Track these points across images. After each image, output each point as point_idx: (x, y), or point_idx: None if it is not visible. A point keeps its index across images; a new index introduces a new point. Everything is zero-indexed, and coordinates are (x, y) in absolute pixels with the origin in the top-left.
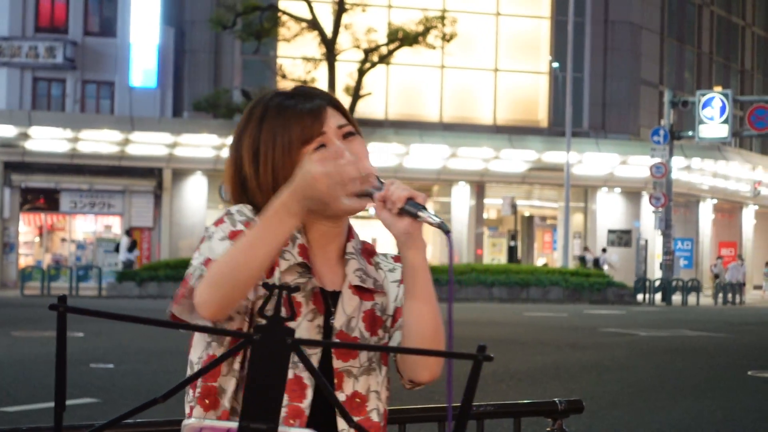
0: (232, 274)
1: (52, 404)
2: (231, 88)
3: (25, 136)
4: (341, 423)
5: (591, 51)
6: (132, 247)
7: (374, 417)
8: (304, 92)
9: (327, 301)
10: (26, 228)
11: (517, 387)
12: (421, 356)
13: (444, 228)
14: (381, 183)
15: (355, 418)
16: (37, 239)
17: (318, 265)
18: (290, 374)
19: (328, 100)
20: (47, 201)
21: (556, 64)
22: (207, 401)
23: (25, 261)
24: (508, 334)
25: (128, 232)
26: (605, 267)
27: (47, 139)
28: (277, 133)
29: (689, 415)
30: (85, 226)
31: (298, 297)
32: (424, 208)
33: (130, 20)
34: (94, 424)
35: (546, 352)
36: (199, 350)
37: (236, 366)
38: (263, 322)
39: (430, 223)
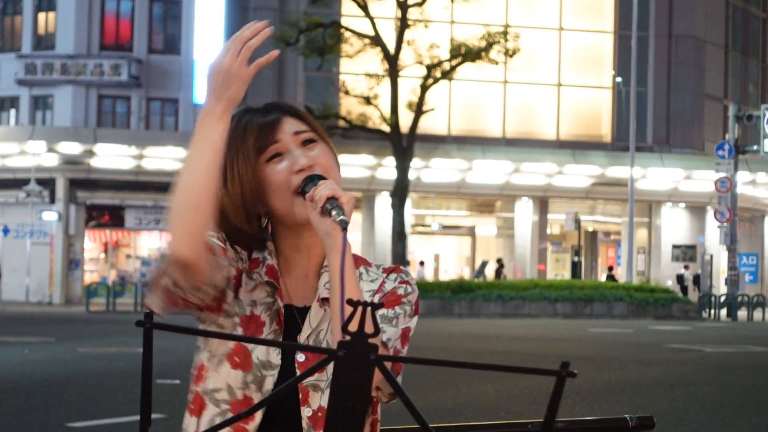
0: (184, 198)
1: (119, 420)
2: (295, 104)
3: (90, 153)
4: None
5: (654, 65)
6: None
7: None
8: (267, 108)
9: (293, 316)
10: (91, 244)
11: (583, 403)
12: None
13: (343, 226)
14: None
15: None
16: (102, 255)
17: (289, 283)
18: (240, 394)
19: (288, 110)
20: (112, 217)
21: (619, 79)
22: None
23: (90, 277)
24: (573, 350)
25: None
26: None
27: (112, 156)
28: (238, 146)
29: (757, 431)
30: (149, 242)
31: (263, 316)
32: (339, 208)
33: (194, 38)
34: None
35: (611, 368)
36: (196, 358)
37: (224, 370)
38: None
39: (333, 220)
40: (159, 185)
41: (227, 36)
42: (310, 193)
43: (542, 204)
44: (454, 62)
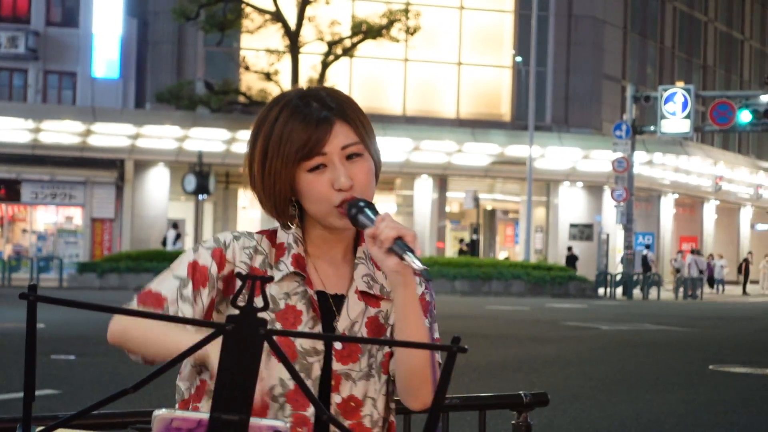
0: (140, 347)
1: (10, 395)
2: (194, 79)
3: None
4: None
5: (554, 45)
6: (177, 239)
7: (366, 423)
8: (320, 97)
9: (328, 304)
10: None
11: (479, 380)
12: (411, 386)
13: (426, 276)
14: (376, 213)
15: (348, 422)
16: None
17: (320, 270)
18: (291, 384)
19: (342, 112)
20: (8, 191)
21: (519, 58)
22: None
23: None
24: (471, 327)
25: (175, 224)
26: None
27: (8, 130)
28: (283, 140)
29: (651, 408)
30: (46, 217)
31: (298, 305)
32: (411, 251)
33: (93, 11)
34: (57, 416)
35: (508, 345)
36: None
37: None
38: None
39: (413, 270)
40: (56, 159)
41: (126, 9)
42: (371, 230)
43: (442, 182)
44: (355, 39)
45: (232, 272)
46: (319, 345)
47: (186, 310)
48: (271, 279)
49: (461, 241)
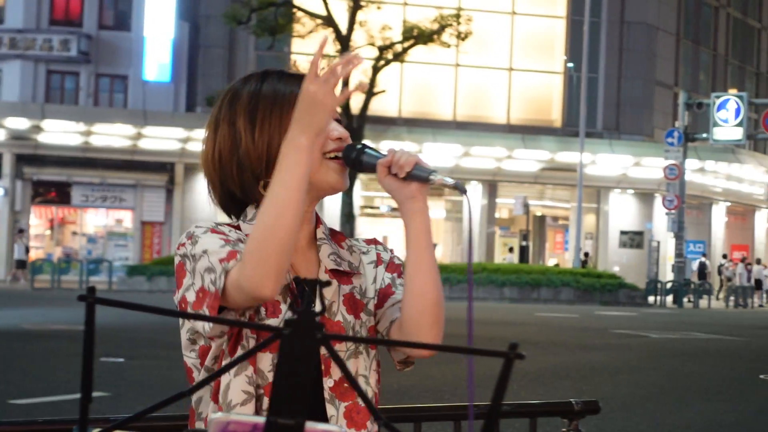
0: (274, 237)
1: (62, 397)
2: None
3: (37, 129)
4: (330, 409)
5: (606, 51)
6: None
7: (361, 402)
8: (288, 72)
9: (303, 289)
10: (37, 221)
11: (528, 387)
12: (424, 322)
13: (460, 188)
14: (380, 154)
15: (344, 403)
16: (48, 232)
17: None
18: (270, 377)
19: None
20: (59, 194)
21: (570, 64)
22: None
23: (35, 254)
24: (519, 334)
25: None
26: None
27: (60, 133)
28: (277, 94)
29: (700, 418)
30: (96, 220)
31: (276, 295)
32: (435, 171)
33: (145, 14)
34: (109, 418)
35: (557, 352)
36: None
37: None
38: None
39: (445, 184)
40: (106, 162)
41: (178, 13)
42: (386, 159)
43: (491, 188)
44: (406, 44)
45: None
46: None
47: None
48: (329, 283)
49: (511, 249)
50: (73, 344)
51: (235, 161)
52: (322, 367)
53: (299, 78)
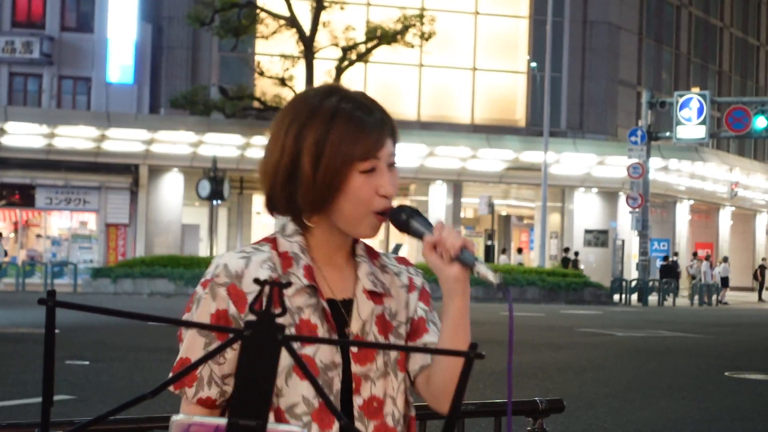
0: None
1: (26, 401)
2: (208, 84)
3: (0, 131)
4: (360, 427)
5: (569, 51)
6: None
7: (389, 421)
8: (372, 101)
9: (339, 311)
10: (1, 224)
11: (494, 386)
12: (448, 391)
13: (502, 288)
14: (426, 220)
15: (372, 423)
16: (12, 235)
17: (327, 276)
18: (316, 403)
19: (390, 121)
20: (22, 197)
21: (534, 64)
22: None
23: None
24: (485, 333)
25: None
26: None
27: (23, 135)
28: (344, 140)
29: (666, 415)
30: (60, 223)
31: (312, 319)
32: (478, 259)
33: (108, 16)
34: (73, 421)
35: (523, 351)
36: None
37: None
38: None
39: (487, 279)
40: (70, 164)
41: (140, 15)
42: (432, 238)
43: (456, 188)
44: (369, 45)
45: None
46: (338, 357)
47: (215, 369)
48: (289, 284)
49: (575, 253)
50: (37, 347)
51: (289, 189)
52: (353, 385)
53: (369, 110)
